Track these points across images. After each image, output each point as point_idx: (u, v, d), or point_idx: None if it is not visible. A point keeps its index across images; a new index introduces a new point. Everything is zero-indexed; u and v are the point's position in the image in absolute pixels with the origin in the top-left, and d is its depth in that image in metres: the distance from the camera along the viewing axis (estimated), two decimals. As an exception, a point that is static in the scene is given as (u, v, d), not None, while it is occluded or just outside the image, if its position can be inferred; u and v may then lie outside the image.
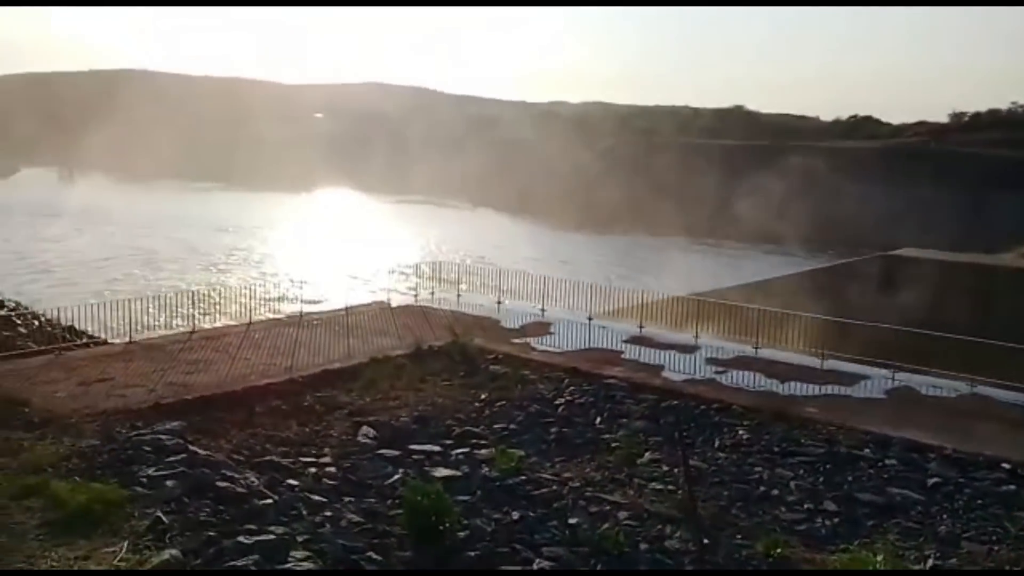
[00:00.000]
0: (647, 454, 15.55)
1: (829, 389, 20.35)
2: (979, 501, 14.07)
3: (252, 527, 11.28)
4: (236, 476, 13.26)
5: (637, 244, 79.40)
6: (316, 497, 13.04)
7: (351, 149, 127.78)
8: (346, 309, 26.96)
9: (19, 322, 25.73)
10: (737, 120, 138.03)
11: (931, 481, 14.78)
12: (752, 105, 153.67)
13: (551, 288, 28.35)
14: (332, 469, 14.34)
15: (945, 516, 13.46)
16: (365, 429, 16.23)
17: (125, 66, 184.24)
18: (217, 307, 25.30)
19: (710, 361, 22.52)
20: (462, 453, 15.24)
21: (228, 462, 14.00)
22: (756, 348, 23.69)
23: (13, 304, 32.30)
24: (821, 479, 14.74)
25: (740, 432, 16.98)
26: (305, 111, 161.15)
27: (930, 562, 11.69)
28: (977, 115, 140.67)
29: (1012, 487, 14.67)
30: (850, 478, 14.79)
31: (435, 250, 68.91)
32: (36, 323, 26.65)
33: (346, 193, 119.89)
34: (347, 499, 13.15)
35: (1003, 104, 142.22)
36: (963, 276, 34.76)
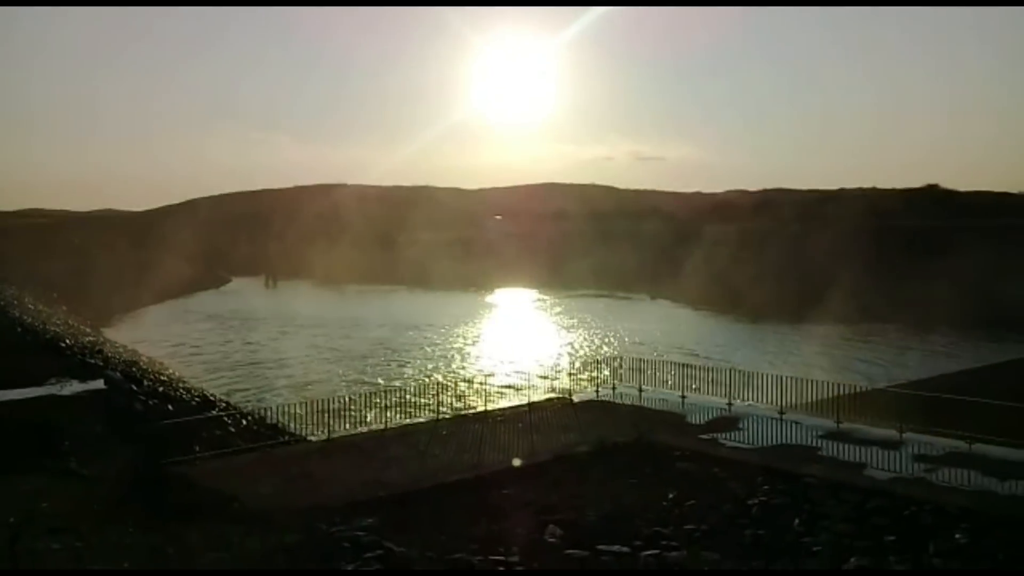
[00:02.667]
0: (852, 559, 14.44)
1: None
2: None
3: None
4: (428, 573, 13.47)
5: (823, 335, 75.62)
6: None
7: (528, 248, 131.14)
8: (529, 405, 27.24)
9: (229, 421, 27.77)
10: (932, 199, 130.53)
11: None
12: (947, 184, 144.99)
13: (737, 381, 27.41)
14: (521, 568, 14.26)
15: None
16: (551, 528, 16.11)
17: (324, 180, 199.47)
18: (405, 405, 26.29)
19: (919, 458, 20.82)
20: (651, 555, 14.75)
21: (421, 559, 14.27)
22: (969, 443, 21.70)
23: (224, 404, 35.02)
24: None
25: (957, 536, 15.45)
26: (486, 214, 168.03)
27: None
28: None
29: None
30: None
31: (616, 344, 68.69)
32: (244, 422, 28.66)
33: (526, 291, 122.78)
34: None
35: None
36: None
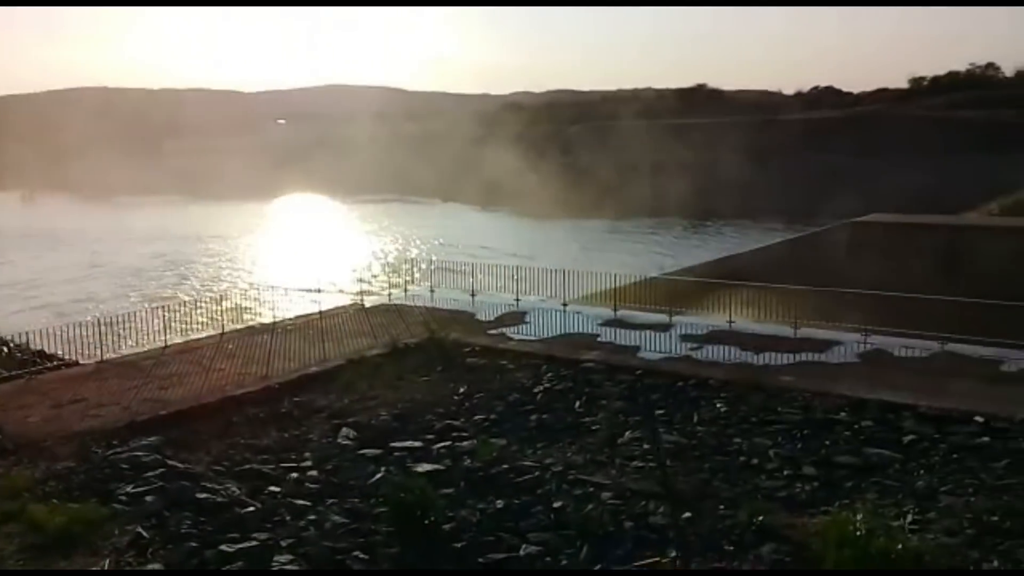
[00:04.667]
0: (627, 434, 15.64)
1: (803, 357, 20.56)
2: (954, 455, 14.28)
3: (235, 536, 11.25)
4: (216, 487, 13.23)
5: (610, 228, 79.58)
6: (299, 502, 13.04)
7: (315, 153, 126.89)
8: (320, 313, 26.85)
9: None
10: (700, 99, 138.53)
11: (907, 439, 14.98)
12: (714, 83, 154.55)
13: (524, 277, 28.36)
14: (314, 473, 14.32)
15: (922, 472, 13.67)
16: (345, 431, 16.20)
17: (80, 84, 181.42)
18: (188, 320, 25.08)
19: (685, 338, 22.66)
20: (444, 447, 15.25)
21: (208, 474, 13.95)
22: (730, 322, 23.87)
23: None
24: (799, 445, 14.90)
25: (718, 405, 17.13)
26: (266, 118, 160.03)
27: (909, 517, 11.86)
28: (936, 78, 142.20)
29: (986, 439, 14.90)
30: (827, 442, 14.96)
31: (407, 247, 68.76)
32: (5, 349, 26.30)
33: (312, 197, 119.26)
34: (330, 501, 13.15)
35: (962, 66, 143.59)
36: (930, 237, 35.23)
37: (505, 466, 14.11)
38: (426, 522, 11.74)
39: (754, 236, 68.17)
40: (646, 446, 15.09)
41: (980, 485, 13.07)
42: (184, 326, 24.49)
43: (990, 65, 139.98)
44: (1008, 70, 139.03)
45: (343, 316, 26.76)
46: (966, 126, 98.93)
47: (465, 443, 15.34)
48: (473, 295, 28.54)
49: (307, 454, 15.16)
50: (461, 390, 18.54)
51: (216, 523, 12.03)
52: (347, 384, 19.13)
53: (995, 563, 10.66)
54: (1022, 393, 17.32)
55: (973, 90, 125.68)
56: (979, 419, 15.68)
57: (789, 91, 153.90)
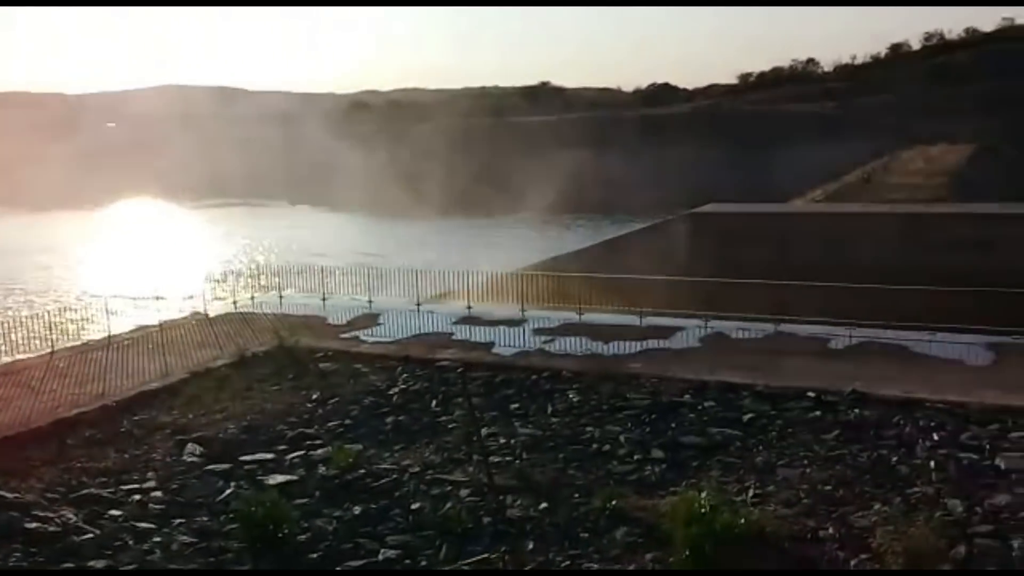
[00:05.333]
0: (484, 430, 15.70)
1: (649, 344, 21.32)
2: (790, 430, 15.17)
3: (70, 565, 10.55)
4: (49, 515, 12.39)
5: (458, 226, 79.90)
6: (143, 524, 12.41)
7: (150, 157, 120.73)
8: (160, 324, 25.55)
9: None
10: (545, 96, 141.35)
11: (747, 417, 15.78)
12: (557, 81, 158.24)
13: (376, 279, 28.02)
14: (158, 493, 13.64)
15: (761, 448, 14.44)
16: (191, 447, 15.50)
17: None
18: (12, 340, 23.25)
19: (538, 332, 23.03)
20: (297, 456, 14.86)
21: (40, 502, 13.04)
22: (580, 314, 24.44)
23: None
24: (648, 429, 15.43)
25: (570, 396, 17.50)
26: (95, 121, 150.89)
27: (751, 492, 12.51)
28: (763, 74, 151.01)
29: (818, 413, 15.91)
30: (674, 424, 15.57)
31: (253, 253, 66.57)
32: None
33: (149, 203, 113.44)
34: (177, 522, 12.57)
35: (785, 62, 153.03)
36: (762, 225, 37.25)
37: (362, 471, 13.91)
38: (279, 535, 11.40)
39: (606, 229, 70.20)
40: (502, 440, 15.23)
41: (814, 456, 13.94)
42: (7, 347, 22.71)
43: (811, 60, 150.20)
44: (827, 65, 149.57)
45: (186, 327, 25.58)
46: (791, 118, 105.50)
47: (319, 451, 15.00)
48: (324, 299, 27.96)
49: (150, 474, 14.43)
50: (314, 397, 18.11)
51: (49, 553, 11.28)
52: (191, 398, 18.31)
53: (830, 530, 11.38)
54: (848, 368, 18.62)
55: (796, 84, 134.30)
56: (811, 394, 16.72)
57: (628, 88, 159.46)
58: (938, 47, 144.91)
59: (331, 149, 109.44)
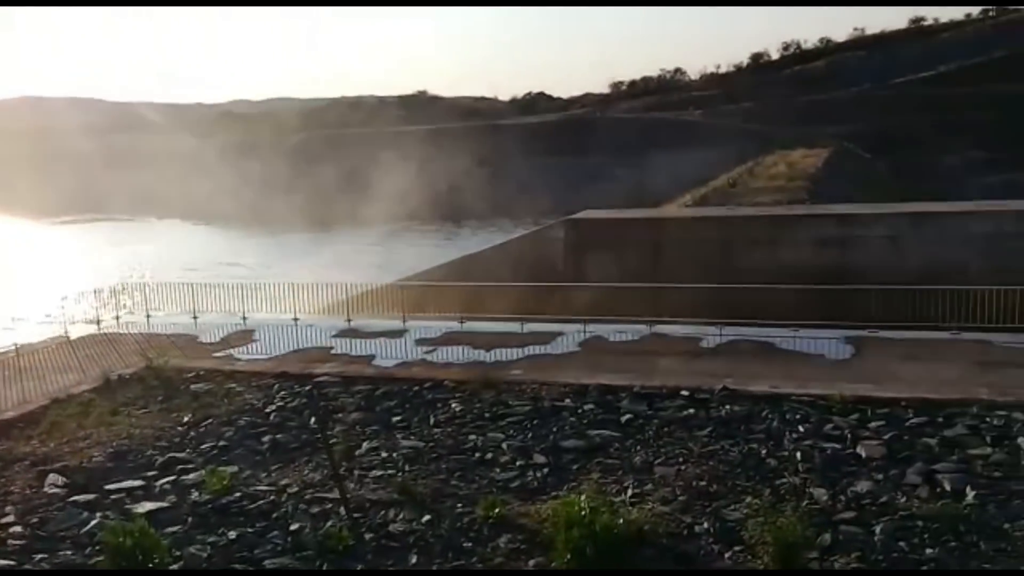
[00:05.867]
0: (364, 444, 15.50)
1: (530, 350, 21.52)
2: (666, 429, 15.58)
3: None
4: None
5: (337, 237, 78.67)
6: (2, 562, 11.62)
7: (4, 171, 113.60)
8: (16, 348, 24.00)
9: None
10: (422, 104, 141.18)
11: (624, 418, 16.12)
12: (434, 90, 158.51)
13: (250, 294, 27.18)
14: (17, 528, 12.80)
15: (639, 447, 14.77)
16: (52, 477, 14.62)
17: None
18: None
19: (420, 342, 22.89)
20: (168, 482, 14.22)
21: None
22: (461, 323, 24.45)
23: None
24: (530, 435, 15.54)
25: (453, 405, 17.45)
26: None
27: (629, 492, 12.79)
28: (633, 83, 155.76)
29: (691, 411, 16.40)
30: (555, 429, 15.75)
31: (119, 270, 63.53)
32: None
33: (3, 220, 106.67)
34: (39, 557, 11.86)
35: (654, 71, 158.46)
36: (637, 230, 38.29)
37: (237, 494, 13.45)
38: (149, 566, 10.88)
39: (485, 237, 70.54)
40: (384, 454, 15.03)
41: (689, 454, 14.36)
42: None
43: (678, 70, 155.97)
44: (693, 73, 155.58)
45: (45, 351, 24.14)
46: (660, 125, 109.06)
47: (192, 475, 14.41)
48: (195, 316, 26.94)
49: (8, 508, 13.53)
50: (185, 419, 17.39)
51: None
52: (52, 426, 17.27)
53: (705, 525, 11.75)
54: (719, 366, 19.32)
55: (664, 93, 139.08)
56: (684, 393, 17.25)
57: (504, 96, 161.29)
58: (795, 56, 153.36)
59: (201, 160, 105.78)
